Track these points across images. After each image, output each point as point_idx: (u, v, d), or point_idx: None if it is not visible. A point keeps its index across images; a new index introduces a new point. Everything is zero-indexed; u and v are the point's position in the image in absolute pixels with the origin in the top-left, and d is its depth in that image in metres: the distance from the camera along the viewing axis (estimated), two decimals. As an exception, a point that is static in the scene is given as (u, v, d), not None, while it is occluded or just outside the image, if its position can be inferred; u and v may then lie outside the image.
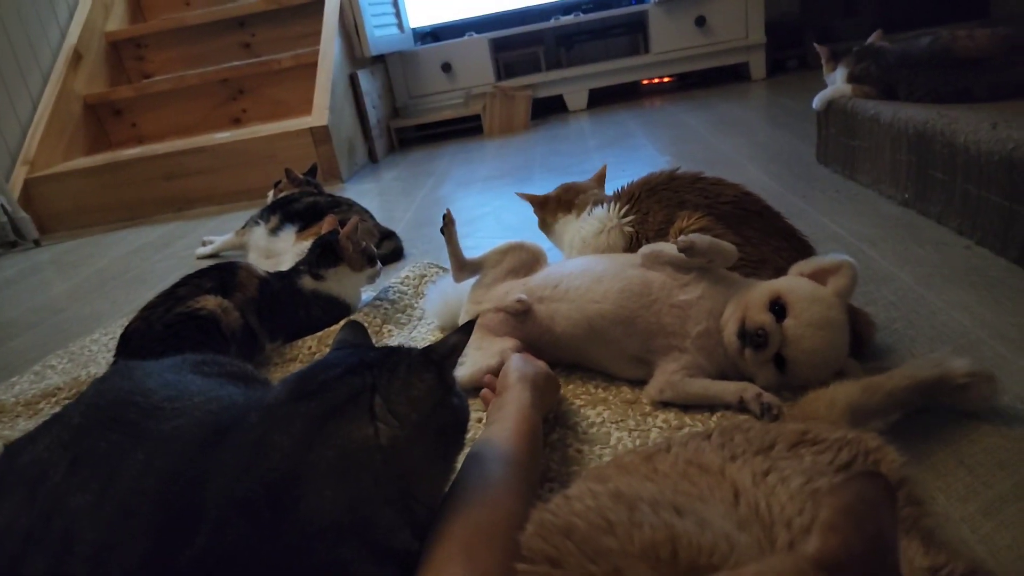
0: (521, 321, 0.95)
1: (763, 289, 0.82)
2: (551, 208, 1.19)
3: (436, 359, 0.58)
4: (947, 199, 1.22)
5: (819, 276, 0.82)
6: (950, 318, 0.94)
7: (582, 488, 0.53)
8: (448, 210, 1.00)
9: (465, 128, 3.48)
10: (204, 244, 2.00)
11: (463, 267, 1.03)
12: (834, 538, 0.30)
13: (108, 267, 2.06)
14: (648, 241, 0.97)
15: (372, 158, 3.15)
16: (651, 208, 1.00)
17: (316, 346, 1.14)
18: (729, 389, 0.80)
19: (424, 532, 0.54)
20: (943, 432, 0.72)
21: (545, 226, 1.21)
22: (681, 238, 0.85)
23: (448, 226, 1.00)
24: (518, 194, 1.23)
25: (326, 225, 1.25)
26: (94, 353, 1.30)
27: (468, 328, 0.60)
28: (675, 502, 0.44)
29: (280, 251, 1.62)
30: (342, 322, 1.18)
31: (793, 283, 0.82)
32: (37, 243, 2.56)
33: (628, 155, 2.29)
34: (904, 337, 0.91)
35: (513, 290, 0.97)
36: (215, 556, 0.49)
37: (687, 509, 0.40)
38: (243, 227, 1.85)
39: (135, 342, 0.99)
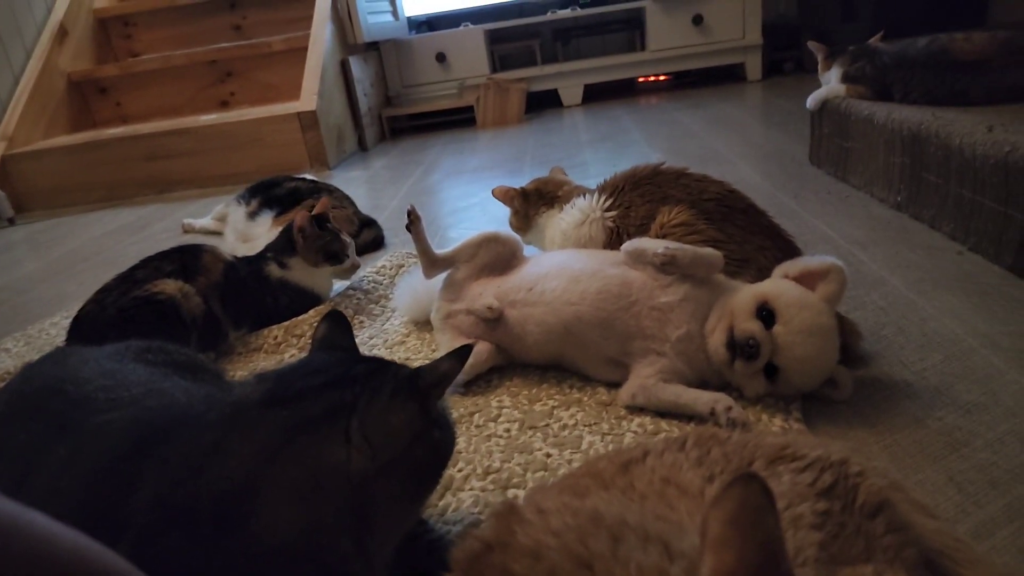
0: (492, 327, 0.91)
1: (749, 294, 0.78)
2: (534, 201, 1.14)
3: (423, 387, 0.52)
4: (940, 203, 1.18)
5: (806, 279, 0.77)
6: (941, 325, 0.90)
7: (556, 502, 0.49)
8: (412, 206, 0.95)
9: (458, 119, 3.42)
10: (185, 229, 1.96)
11: (434, 263, 0.97)
12: (727, 554, 0.29)
13: (80, 248, 2.00)
14: (629, 236, 0.93)
15: (362, 146, 3.09)
16: (634, 202, 0.95)
17: (282, 336, 1.09)
18: (702, 399, 0.76)
19: (374, 568, 0.50)
20: (933, 448, 0.68)
21: (525, 221, 1.15)
22: (663, 249, 0.81)
23: (414, 223, 0.94)
24: (494, 192, 1.16)
25: (298, 218, 1.19)
26: (52, 337, 1.24)
27: (463, 354, 0.54)
28: (663, 536, 0.40)
29: (256, 236, 1.57)
30: (311, 312, 1.14)
31: (780, 287, 0.77)
32: (12, 221, 2.49)
33: (621, 150, 2.25)
34: (893, 344, 0.87)
35: (487, 292, 0.92)
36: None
37: (676, 551, 0.36)
38: (224, 205, 1.82)
39: (86, 326, 0.94)
